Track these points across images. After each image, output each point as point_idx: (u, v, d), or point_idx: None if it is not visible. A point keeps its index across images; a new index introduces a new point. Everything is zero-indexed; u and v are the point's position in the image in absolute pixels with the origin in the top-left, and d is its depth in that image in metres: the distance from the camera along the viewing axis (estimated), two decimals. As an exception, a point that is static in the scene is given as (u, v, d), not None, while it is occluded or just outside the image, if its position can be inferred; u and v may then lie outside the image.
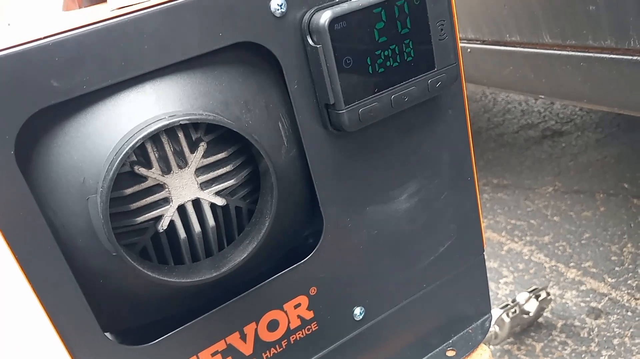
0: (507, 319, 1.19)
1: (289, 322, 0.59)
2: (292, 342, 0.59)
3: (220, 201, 0.50)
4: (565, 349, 1.22)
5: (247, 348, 0.57)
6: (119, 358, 0.50)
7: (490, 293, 0.75)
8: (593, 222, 1.58)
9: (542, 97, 1.15)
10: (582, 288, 1.37)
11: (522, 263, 1.50)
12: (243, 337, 0.56)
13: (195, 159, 0.48)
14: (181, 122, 0.44)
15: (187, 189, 0.48)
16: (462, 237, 0.68)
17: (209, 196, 0.49)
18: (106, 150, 0.44)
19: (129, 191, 0.46)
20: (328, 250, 0.58)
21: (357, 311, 0.63)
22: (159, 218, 0.48)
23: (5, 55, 0.40)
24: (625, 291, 1.33)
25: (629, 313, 1.27)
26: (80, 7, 0.79)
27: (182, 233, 0.49)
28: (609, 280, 1.37)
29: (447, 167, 0.63)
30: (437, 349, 0.72)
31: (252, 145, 0.48)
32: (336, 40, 0.49)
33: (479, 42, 1.20)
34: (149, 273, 0.47)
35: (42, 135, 0.44)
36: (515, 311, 1.21)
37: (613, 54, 0.90)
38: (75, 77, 0.42)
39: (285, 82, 0.51)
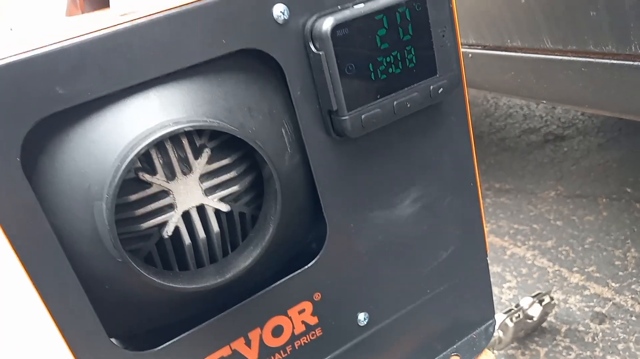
0: (510, 324, 1.19)
1: (293, 328, 0.59)
2: (296, 348, 0.60)
3: (224, 207, 0.50)
4: (570, 354, 1.22)
5: (252, 354, 0.57)
6: (124, 363, 0.50)
7: (494, 298, 0.75)
8: (596, 227, 1.58)
9: (544, 102, 1.16)
10: (586, 292, 1.37)
11: (526, 268, 1.50)
12: (248, 343, 0.56)
13: (200, 165, 0.48)
14: (185, 129, 0.44)
15: (192, 195, 0.48)
16: (466, 242, 0.68)
17: (213, 203, 0.49)
18: (111, 157, 0.45)
19: (133, 197, 0.46)
20: (332, 255, 0.58)
21: (361, 316, 0.63)
22: (163, 224, 0.48)
23: (10, 63, 0.40)
24: (630, 296, 1.32)
25: (633, 318, 1.26)
26: (82, 13, 0.80)
27: (186, 239, 0.49)
28: (613, 284, 1.37)
29: (449, 172, 0.64)
30: (441, 355, 0.72)
31: (255, 151, 0.48)
32: (338, 46, 0.49)
33: (480, 47, 1.20)
34: (154, 278, 0.47)
35: (48, 141, 0.44)
36: (518, 316, 1.21)
37: (614, 59, 0.90)
38: (80, 84, 0.42)
39: (288, 89, 0.51)
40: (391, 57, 0.52)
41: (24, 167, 0.42)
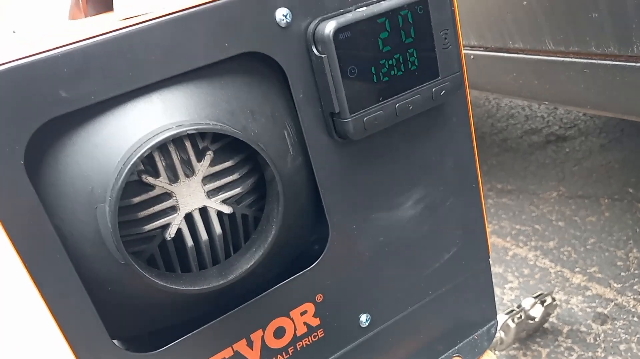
0: (512, 325, 1.19)
1: (295, 329, 0.59)
2: (298, 349, 0.60)
3: (227, 209, 0.50)
4: (572, 355, 1.22)
5: (254, 355, 0.57)
6: (126, 365, 0.50)
7: (496, 299, 0.75)
8: (598, 227, 1.58)
9: (546, 103, 1.16)
10: (588, 293, 1.37)
11: (527, 269, 1.50)
12: (250, 344, 0.56)
13: (202, 168, 0.48)
14: (188, 132, 0.45)
15: (194, 197, 0.49)
16: (468, 243, 0.68)
17: (215, 205, 0.50)
18: (114, 160, 0.45)
19: (136, 199, 0.46)
20: (334, 257, 0.59)
21: (363, 318, 0.63)
22: (166, 226, 0.48)
23: (15, 67, 0.40)
24: (632, 297, 1.32)
25: (635, 319, 1.26)
26: (85, 16, 0.80)
27: (189, 241, 0.49)
28: (615, 285, 1.37)
29: (451, 174, 0.64)
30: (443, 356, 0.72)
31: (258, 154, 0.48)
32: (341, 49, 0.49)
33: (482, 49, 1.20)
34: (157, 280, 0.47)
35: (51, 145, 0.44)
36: (520, 316, 1.21)
37: (616, 61, 0.90)
38: (83, 87, 0.43)
39: (291, 91, 0.51)
40: (393, 59, 0.52)
41: (28, 169, 0.42)
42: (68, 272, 0.45)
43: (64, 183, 0.45)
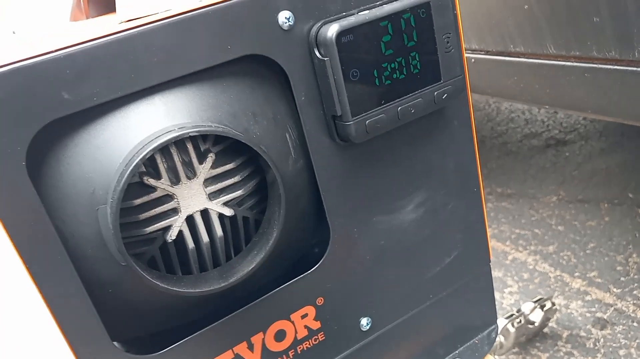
0: (512, 329, 1.19)
1: (296, 332, 0.59)
2: (299, 352, 0.60)
3: (228, 212, 0.50)
4: (571, 360, 1.22)
5: (254, 358, 0.57)
6: (127, 367, 0.50)
7: (495, 303, 0.75)
8: (598, 232, 1.58)
9: (546, 107, 1.16)
10: (588, 298, 1.37)
11: (527, 273, 1.50)
12: (250, 347, 0.56)
13: (204, 170, 0.48)
14: (190, 134, 0.45)
15: (196, 199, 0.49)
16: (469, 248, 0.68)
17: (217, 207, 0.50)
18: (116, 162, 0.45)
19: (138, 201, 0.46)
20: (335, 260, 0.59)
21: (364, 321, 0.63)
22: (167, 228, 0.48)
23: (17, 68, 0.40)
24: (631, 302, 1.32)
25: (635, 324, 1.26)
26: (87, 18, 0.80)
27: (190, 243, 0.49)
28: (615, 290, 1.37)
29: (453, 178, 0.64)
30: (443, 360, 0.72)
31: (259, 156, 0.48)
32: (343, 52, 0.49)
33: (483, 53, 1.20)
34: (158, 282, 0.47)
35: (53, 146, 0.44)
36: (520, 321, 1.21)
37: (617, 65, 0.90)
38: (86, 89, 0.43)
39: (293, 94, 0.51)
40: (395, 63, 0.52)
41: (30, 171, 0.42)
42: (69, 273, 0.45)
43: (65, 184, 0.45)
